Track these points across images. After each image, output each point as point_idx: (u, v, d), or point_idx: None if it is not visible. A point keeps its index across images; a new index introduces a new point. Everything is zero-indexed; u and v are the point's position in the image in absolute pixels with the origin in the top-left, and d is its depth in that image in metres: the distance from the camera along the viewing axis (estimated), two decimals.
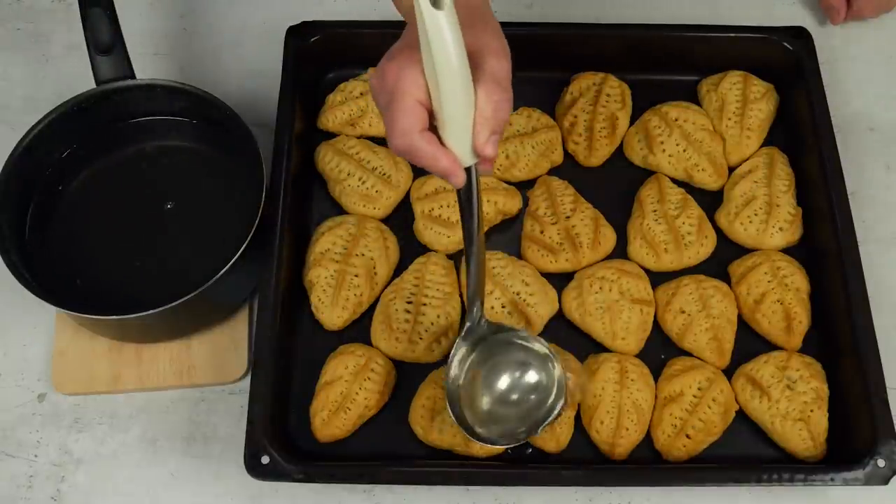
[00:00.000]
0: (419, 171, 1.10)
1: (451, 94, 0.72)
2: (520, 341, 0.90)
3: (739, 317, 1.03)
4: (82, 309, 0.94)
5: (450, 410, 0.87)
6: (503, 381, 0.89)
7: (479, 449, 0.94)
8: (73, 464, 0.98)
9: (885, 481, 0.90)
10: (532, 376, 0.89)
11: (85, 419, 1.00)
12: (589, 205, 1.08)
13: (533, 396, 0.89)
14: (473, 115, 0.74)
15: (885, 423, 0.91)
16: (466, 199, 0.79)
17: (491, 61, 0.75)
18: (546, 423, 0.88)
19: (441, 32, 0.69)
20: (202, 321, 1.02)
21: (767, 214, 1.06)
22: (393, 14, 1.24)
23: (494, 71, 0.75)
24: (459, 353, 0.89)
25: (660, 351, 1.02)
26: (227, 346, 1.03)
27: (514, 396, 0.89)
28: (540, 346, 0.89)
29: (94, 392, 1.01)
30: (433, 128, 0.75)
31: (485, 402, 0.88)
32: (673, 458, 0.95)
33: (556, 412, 0.88)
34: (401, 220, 1.09)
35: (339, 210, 1.09)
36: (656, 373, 1.00)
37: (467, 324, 0.89)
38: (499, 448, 0.95)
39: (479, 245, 0.82)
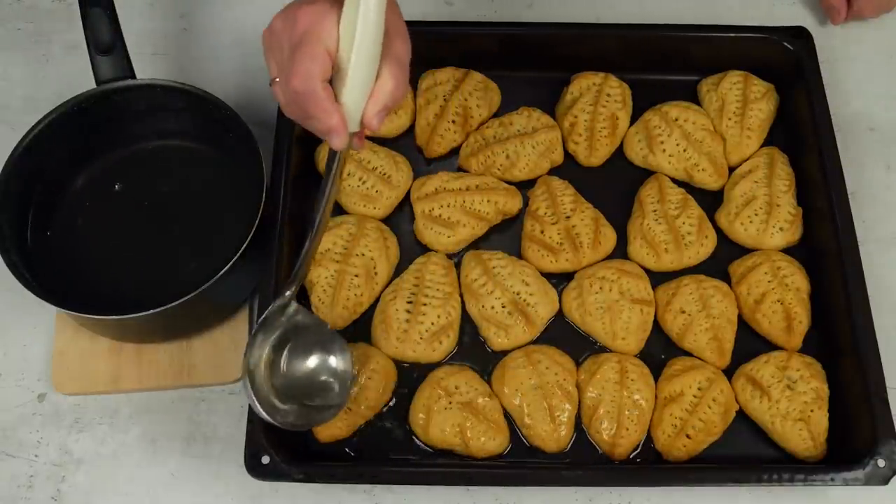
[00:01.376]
0: (419, 171, 1.10)
1: (365, 56, 0.74)
2: (312, 332, 0.90)
3: (739, 317, 1.03)
4: (82, 309, 0.94)
5: (248, 388, 0.85)
6: (295, 365, 0.89)
7: (479, 450, 0.94)
8: (74, 464, 0.98)
9: (886, 481, 0.90)
10: (322, 367, 0.89)
11: (85, 419, 1.00)
12: (589, 205, 1.08)
13: (324, 380, 0.89)
14: (373, 86, 0.76)
15: (886, 422, 0.91)
16: (327, 166, 0.80)
17: (398, 42, 0.78)
18: (329, 411, 0.88)
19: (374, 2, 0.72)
20: (202, 321, 1.02)
21: (768, 214, 1.06)
22: None
23: (399, 52, 0.78)
24: (265, 334, 0.87)
25: (660, 351, 1.02)
26: (227, 346, 1.03)
27: (305, 380, 0.89)
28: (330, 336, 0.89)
29: (94, 392, 1.01)
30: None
31: (279, 382, 0.87)
32: (673, 458, 0.95)
33: (336, 404, 0.89)
34: (401, 220, 1.09)
35: (340, 210, 1.09)
36: (656, 373, 1.00)
37: (275, 302, 0.87)
38: (498, 448, 0.95)
39: (321, 220, 0.83)
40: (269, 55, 0.80)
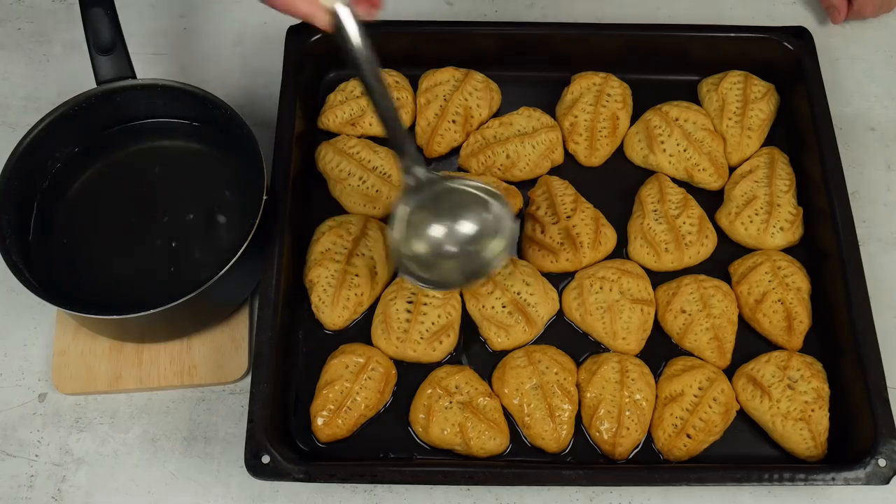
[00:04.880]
0: None
1: None
2: (463, 186, 0.89)
3: (740, 316, 1.03)
4: (83, 309, 0.94)
5: (398, 267, 0.87)
6: (440, 230, 0.89)
7: (479, 450, 0.94)
8: (74, 463, 0.98)
9: (886, 481, 0.90)
10: (469, 224, 0.89)
11: (85, 419, 1.00)
12: (589, 205, 1.08)
13: (472, 244, 0.89)
14: None
15: (886, 422, 0.91)
16: (345, 43, 0.78)
17: None
18: (492, 264, 0.89)
19: None
20: (202, 321, 1.02)
21: (768, 214, 1.06)
22: (393, 14, 1.25)
23: None
24: (401, 209, 0.87)
25: (660, 351, 1.02)
26: (227, 346, 1.03)
27: (453, 244, 0.89)
28: (484, 194, 0.89)
29: (94, 392, 1.01)
30: None
31: (426, 249, 0.88)
32: (673, 457, 0.95)
33: (501, 254, 0.89)
34: None
35: (340, 210, 1.09)
36: (657, 373, 1.00)
37: (403, 177, 0.87)
38: (499, 448, 0.95)
39: (380, 91, 0.82)
40: None
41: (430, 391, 0.97)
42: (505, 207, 0.89)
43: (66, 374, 1.01)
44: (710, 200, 1.10)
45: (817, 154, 1.06)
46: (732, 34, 1.14)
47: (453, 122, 1.12)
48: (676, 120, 1.11)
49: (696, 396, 0.96)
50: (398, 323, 1.00)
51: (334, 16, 0.75)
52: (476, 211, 0.90)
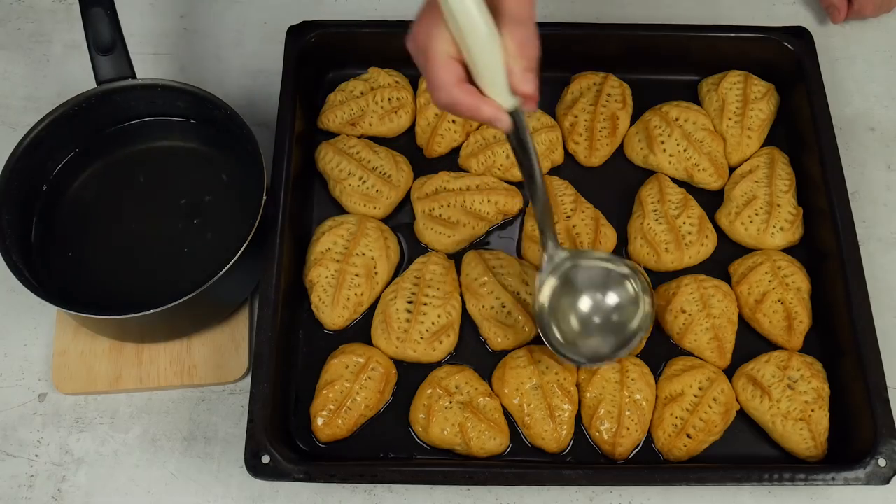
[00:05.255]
0: (419, 171, 1.10)
1: (476, 42, 0.74)
2: (600, 263, 0.93)
3: (740, 316, 1.03)
4: (83, 309, 0.94)
5: (543, 338, 0.91)
6: (586, 303, 0.92)
7: (479, 450, 0.94)
8: (74, 463, 0.98)
9: (886, 481, 0.90)
10: (613, 297, 0.92)
11: (86, 419, 1.00)
12: (589, 204, 1.08)
13: (616, 316, 0.92)
14: (503, 58, 0.76)
15: (886, 422, 0.91)
16: (517, 140, 0.81)
17: (509, 2, 0.76)
18: (634, 342, 0.91)
19: None
20: (202, 321, 1.02)
21: (768, 214, 1.06)
22: (393, 14, 1.25)
23: (513, 11, 0.76)
24: (544, 285, 0.91)
25: (660, 351, 1.02)
26: (227, 346, 1.03)
27: (598, 318, 0.92)
28: (623, 266, 0.92)
29: (94, 392, 1.01)
30: (473, 80, 0.78)
31: (573, 325, 0.91)
32: (673, 457, 0.95)
33: (641, 333, 0.91)
34: (401, 219, 1.09)
35: (340, 210, 1.09)
36: (657, 373, 1.00)
37: (544, 257, 0.91)
38: (499, 448, 0.95)
39: (540, 181, 0.85)
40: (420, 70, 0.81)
41: (430, 391, 0.97)
42: (640, 278, 0.92)
43: (66, 374, 1.01)
44: (710, 200, 1.10)
45: (817, 154, 1.06)
46: (732, 34, 1.14)
47: (453, 121, 1.12)
48: (676, 120, 1.11)
49: (696, 396, 0.96)
50: (398, 323, 1.00)
51: (513, 115, 0.79)
52: (615, 284, 0.93)
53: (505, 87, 0.77)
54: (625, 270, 0.92)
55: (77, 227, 1.04)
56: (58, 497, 0.96)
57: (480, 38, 0.74)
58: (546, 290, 0.92)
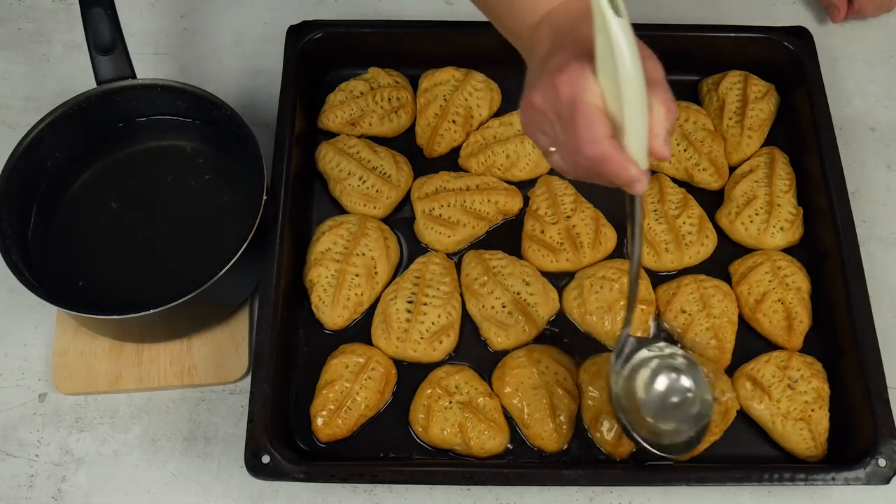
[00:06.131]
0: (419, 171, 1.10)
1: (634, 99, 0.71)
2: (659, 354, 0.90)
3: (740, 316, 1.03)
4: (83, 309, 0.94)
5: (624, 424, 0.88)
6: (657, 395, 0.89)
7: (479, 450, 0.94)
8: (74, 463, 0.98)
9: (886, 481, 0.89)
10: (681, 387, 0.89)
11: (86, 419, 1.00)
12: (590, 204, 1.08)
13: (687, 407, 0.89)
14: (648, 119, 0.73)
15: (886, 422, 0.91)
16: (635, 206, 0.79)
17: (649, 64, 0.74)
18: (704, 430, 0.88)
19: (624, 39, 0.69)
20: (202, 321, 1.02)
21: (768, 214, 1.06)
22: (394, 14, 1.25)
23: (654, 74, 0.74)
24: (617, 371, 0.89)
25: None
26: (227, 346, 1.03)
27: (670, 407, 0.89)
28: (680, 360, 0.90)
29: (94, 392, 1.01)
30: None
31: (646, 415, 0.88)
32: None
33: (707, 419, 0.89)
34: (401, 219, 1.09)
35: (340, 209, 1.09)
36: None
37: (620, 342, 0.89)
38: (499, 448, 0.95)
39: (639, 248, 0.83)
40: (534, 129, 0.78)
41: (429, 391, 0.96)
42: (698, 367, 0.91)
43: (66, 374, 1.01)
44: (710, 200, 1.10)
45: (817, 154, 1.06)
46: (732, 34, 1.14)
47: (453, 122, 1.12)
48: (676, 119, 1.11)
49: None
50: (398, 323, 1.00)
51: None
52: (683, 370, 0.90)
53: (645, 147, 0.74)
54: (683, 363, 0.90)
55: (77, 226, 1.04)
56: (58, 497, 0.96)
57: (639, 95, 0.71)
58: (615, 378, 0.89)
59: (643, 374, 0.89)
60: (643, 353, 0.90)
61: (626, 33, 0.68)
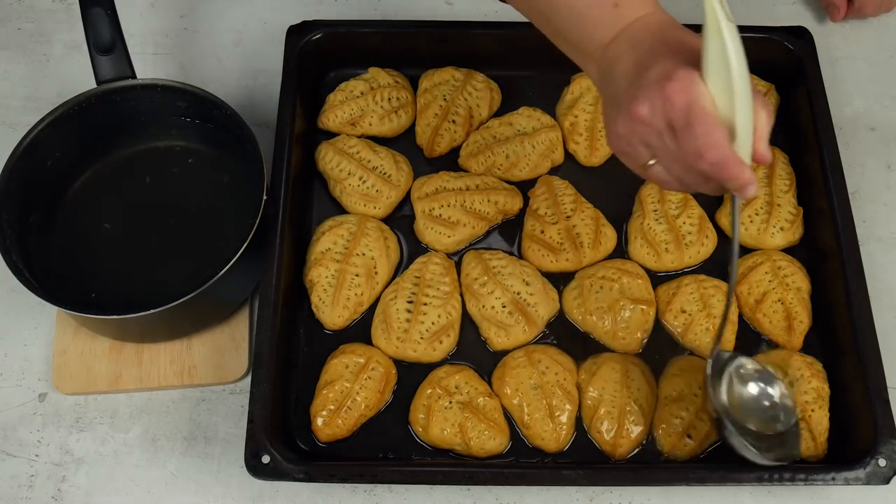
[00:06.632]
0: (419, 171, 1.10)
1: (744, 103, 0.72)
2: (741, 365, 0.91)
3: (740, 316, 1.03)
4: (83, 309, 0.94)
5: (734, 436, 0.87)
6: (754, 403, 0.90)
7: (479, 450, 0.94)
8: (74, 463, 0.98)
9: (886, 481, 0.89)
10: (768, 394, 0.90)
11: (86, 419, 1.00)
12: (590, 204, 1.08)
13: (776, 412, 0.89)
14: (753, 123, 0.73)
15: (886, 422, 0.91)
16: (734, 212, 0.79)
17: None
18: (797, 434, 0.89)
19: (737, 43, 0.70)
20: (202, 321, 1.02)
21: (768, 214, 1.06)
22: (394, 14, 1.25)
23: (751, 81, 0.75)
24: (717, 386, 0.89)
25: (661, 351, 1.01)
26: (227, 346, 1.03)
27: (764, 413, 0.89)
28: (753, 365, 0.91)
29: (94, 392, 1.01)
30: None
31: (749, 425, 0.88)
32: (674, 457, 0.95)
33: (793, 422, 0.89)
34: (401, 219, 1.09)
35: (340, 209, 1.09)
36: (657, 373, 1.00)
37: (715, 353, 0.89)
38: (499, 448, 0.95)
39: (737, 249, 0.83)
40: (634, 143, 0.77)
41: (429, 391, 0.97)
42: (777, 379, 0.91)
43: (66, 374, 1.01)
44: (710, 200, 1.10)
45: (817, 154, 1.06)
46: None
47: (453, 122, 1.12)
48: None
49: (696, 396, 0.96)
50: (398, 323, 1.00)
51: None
52: (767, 380, 0.91)
53: (750, 151, 0.74)
54: (759, 369, 0.91)
55: (77, 226, 1.04)
56: (58, 497, 0.96)
57: (748, 99, 0.72)
58: (717, 391, 0.89)
59: (737, 385, 0.90)
60: (733, 364, 0.90)
61: (737, 38, 0.70)
